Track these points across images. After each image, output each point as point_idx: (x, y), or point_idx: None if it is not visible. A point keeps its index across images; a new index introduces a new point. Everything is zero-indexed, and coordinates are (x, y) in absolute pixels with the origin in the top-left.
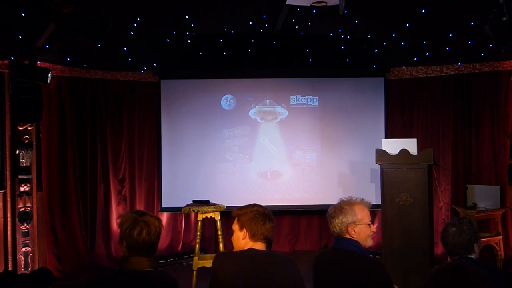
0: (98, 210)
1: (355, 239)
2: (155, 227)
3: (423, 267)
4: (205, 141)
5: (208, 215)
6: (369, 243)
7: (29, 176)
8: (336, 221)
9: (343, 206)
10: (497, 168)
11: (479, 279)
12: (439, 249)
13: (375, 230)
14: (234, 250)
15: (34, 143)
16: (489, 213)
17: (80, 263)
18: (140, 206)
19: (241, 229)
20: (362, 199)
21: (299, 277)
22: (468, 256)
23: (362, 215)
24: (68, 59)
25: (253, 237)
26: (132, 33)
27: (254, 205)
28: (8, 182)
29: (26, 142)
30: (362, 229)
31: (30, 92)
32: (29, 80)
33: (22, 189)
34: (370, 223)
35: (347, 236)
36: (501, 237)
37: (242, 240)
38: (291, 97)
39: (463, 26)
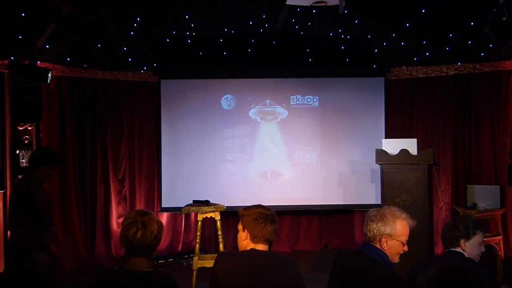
0: (98, 210)
1: (385, 251)
2: (152, 230)
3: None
4: (205, 141)
5: (208, 215)
6: (396, 260)
7: None
8: (374, 226)
9: (387, 215)
10: (497, 168)
11: (479, 278)
12: (439, 249)
13: (406, 250)
14: (239, 249)
15: (34, 143)
16: (489, 213)
17: (80, 263)
18: (140, 206)
19: (243, 229)
20: (408, 216)
21: (300, 278)
22: (455, 250)
23: (401, 231)
24: (68, 59)
25: (254, 238)
26: (132, 33)
27: (258, 206)
28: (8, 182)
29: (26, 142)
30: (395, 245)
31: (30, 92)
32: (29, 80)
33: None
34: (405, 242)
35: (377, 245)
36: (501, 237)
37: (244, 240)
38: (291, 97)
39: (463, 26)
